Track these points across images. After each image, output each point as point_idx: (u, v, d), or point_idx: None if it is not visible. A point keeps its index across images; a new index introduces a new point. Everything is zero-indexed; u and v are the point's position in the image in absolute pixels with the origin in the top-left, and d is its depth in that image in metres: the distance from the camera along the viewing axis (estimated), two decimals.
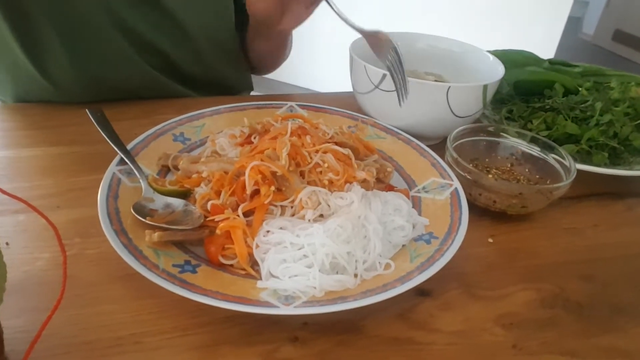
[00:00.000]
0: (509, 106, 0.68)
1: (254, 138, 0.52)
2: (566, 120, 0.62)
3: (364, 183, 0.46)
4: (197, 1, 0.76)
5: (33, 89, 0.71)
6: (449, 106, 0.59)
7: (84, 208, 0.50)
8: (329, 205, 0.44)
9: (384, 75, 0.59)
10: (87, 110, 0.60)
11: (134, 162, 0.51)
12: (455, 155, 0.54)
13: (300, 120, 0.57)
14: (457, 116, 0.61)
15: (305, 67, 2.89)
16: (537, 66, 0.71)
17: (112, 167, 0.50)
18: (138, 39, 0.71)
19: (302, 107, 0.67)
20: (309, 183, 0.45)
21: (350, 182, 0.45)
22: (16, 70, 0.69)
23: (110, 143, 0.54)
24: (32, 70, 0.68)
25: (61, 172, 0.56)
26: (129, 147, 0.54)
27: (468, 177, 0.52)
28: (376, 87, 0.61)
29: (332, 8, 0.60)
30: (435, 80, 0.67)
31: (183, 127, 0.60)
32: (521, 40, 2.33)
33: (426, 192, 0.52)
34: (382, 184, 0.51)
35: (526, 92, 0.70)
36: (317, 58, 2.85)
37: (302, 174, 0.46)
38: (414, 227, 0.46)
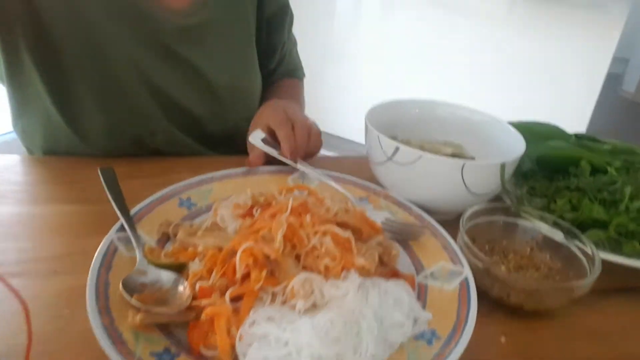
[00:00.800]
0: (531, 183, 0.65)
1: (256, 211, 0.51)
2: (592, 203, 0.58)
3: (363, 270, 0.43)
4: (225, 59, 0.77)
5: (60, 139, 0.73)
6: (464, 183, 0.56)
7: (80, 275, 0.48)
8: (323, 294, 0.41)
9: (397, 148, 0.58)
10: (98, 169, 0.61)
11: (133, 229, 0.50)
12: (467, 239, 0.50)
13: (305, 191, 0.55)
14: (473, 193, 0.58)
15: (333, 114, 2.93)
16: (562, 140, 0.67)
17: (111, 235, 0.49)
18: (164, 95, 0.72)
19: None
20: (305, 267, 0.43)
21: (348, 269, 0.43)
22: (46, 120, 0.71)
23: (115, 207, 0.54)
24: (61, 122, 0.70)
25: (68, 232, 0.56)
26: (133, 211, 0.54)
27: (479, 265, 0.49)
28: (389, 159, 0.59)
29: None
30: (453, 154, 0.65)
31: (191, 191, 0.60)
32: (558, 97, 2.31)
33: (434, 279, 0.49)
34: (386, 267, 0.48)
35: (550, 169, 0.66)
36: (343, 105, 2.89)
37: (298, 257, 0.44)
38: (415, 322, 0.42)
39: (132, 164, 0.71)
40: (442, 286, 0.47)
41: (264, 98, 0.88)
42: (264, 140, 0.66)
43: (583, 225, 0.57)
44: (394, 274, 0.48)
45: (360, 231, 0.48)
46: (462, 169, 0.56)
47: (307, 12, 2.79)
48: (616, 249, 0.55)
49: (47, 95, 0.68)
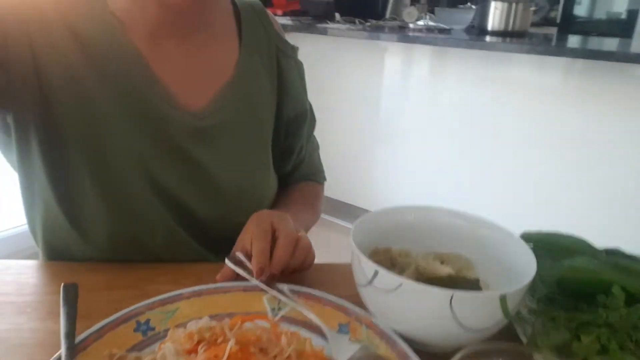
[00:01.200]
0: (549, 312, 0.54)
1: (202, 348, 0.45)
2: (624, 347, 0.46)
3: None
4: (236, 162, 0.76)
5: (61, 237, 0.71)
6: (455, 317, 0.47)
7: None
8: None
9: (376, 272, 0.50)
10: (62, 284, 0.58)
11: None
12: None
13: (265, 322, 0.48)
14: (466, 329, 0.48)
15: (382, 193, 2.87)
16: (589, 257, 0.56)
17: None
18: (168, 195, 0.71)
19: (294, 292, 0.59)
20: None
21: None
22: (47, 214, 0.70)
23: (62, 333, 0.50)
24: (63, 219, 0.68)
25: (21, 355, 0.52)
26: (81, 337, 0.50)
27: None
28: (369, 282, 0.52)
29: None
30: (449, 276, 0.56)
31: (153, 312, 0.55)
32: (616, 181, 2.09)
33: None
34: None
35: (573, 294, 0.55)
36: (393, 184, 2.83)
37: None
38: None
39: (114, 271, 0.68)
40: None
41: (277, 200, 0.86)
42: (234, 260, 0.62)
43: None
44: None
45: None
46: (450, 301, 0.47)
47: (355, 91, 2.84)
48: None
49: (49, 187, 0.67)
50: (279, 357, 0.42)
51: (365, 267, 0.52)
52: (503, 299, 0.47)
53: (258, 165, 0.80)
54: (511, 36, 2.64)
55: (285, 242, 0.61)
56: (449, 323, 0.48)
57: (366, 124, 2.87)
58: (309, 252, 0.65)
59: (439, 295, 0.47)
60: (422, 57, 2.64)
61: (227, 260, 0.64)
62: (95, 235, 0.69)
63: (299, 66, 0.87)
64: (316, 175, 0.97)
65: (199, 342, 0.46)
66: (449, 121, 2.58)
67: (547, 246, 0.59)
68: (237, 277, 0.62)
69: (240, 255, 0.64)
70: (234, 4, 0.80)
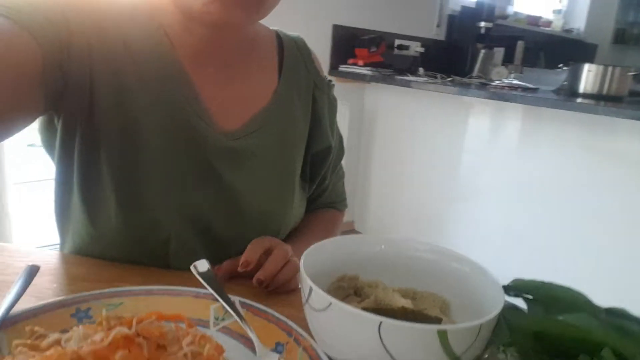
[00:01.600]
0: None
1: (98, 335, 0.42)
2: None
3: None
4: (262, 185, 0.77)
5: (81, 233, 0.73)
6: (385, 349, 0.40)
7: None
8: None
9: (311, 290, 0.45)
10: (27, 265, 0.59)
11: None
12: None
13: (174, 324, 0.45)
14: None
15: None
16: (585, 314, 0.46)
17: None
18: (190, 208, 0.72)
19: (244, 305, 0.55)
20: None
21: None
22: (72, 212, 0.73)
23: (1, 306, 0.50)
24: (83, 214, 0.71)
25: None
26: (14, 312, 0.50)
27: None
28: (306, 300, 0.46)
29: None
30: (403, 308, 0.49)
31: (97, 302, 0.54)
32: None
33: None
34: None
35: (556, 353, 0.44)
36: (468, 243, 2.64)
37: None
38: None
39: (95, 266, 0.69)
40: None
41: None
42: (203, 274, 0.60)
43: None
44: None
45: None
46: (379, 329, 0.40)
47: (434, 146, 2.77)
48: None
49: (78, 186, 0.70)
50: (173, 355, 0.38)
51: (303, 284, 0.47)
52: (443, 335, 0.39)
53: (284, 191, 0.80)
54: (605, 100, 2.41)
55: (278, 256, 0.64)
56: (380, 355, 0.41)
57: (443, 181, 2.75)
58: (294, 273, 0.65)
59: (366, 320, 0.41)
60: (507, 116, 2.50)
61: (191, 267, 0.62)
62: (110, 235, 0.70)
63: (331, 102, 0.88)
64: (338, 204, 0.97)
65: (109, 329, 0.44)
66: (536, 186, 2.36)
67: (541, 297, 0.50)
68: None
69: (205, 263, 0.62)
70: (279, 37, 0.83)
